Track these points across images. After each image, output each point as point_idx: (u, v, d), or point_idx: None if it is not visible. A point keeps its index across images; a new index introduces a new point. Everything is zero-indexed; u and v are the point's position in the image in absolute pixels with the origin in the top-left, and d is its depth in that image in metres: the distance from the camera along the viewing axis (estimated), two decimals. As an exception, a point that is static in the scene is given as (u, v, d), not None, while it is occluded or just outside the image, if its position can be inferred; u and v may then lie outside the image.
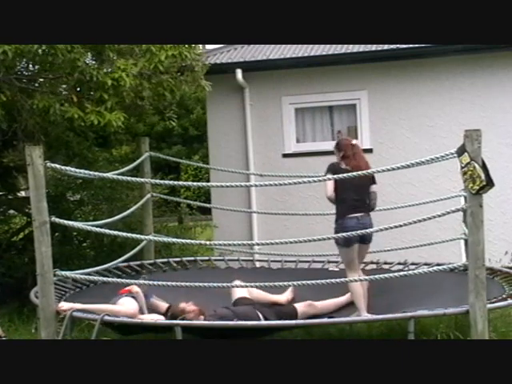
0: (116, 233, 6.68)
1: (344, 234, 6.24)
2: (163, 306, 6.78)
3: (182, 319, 6.18)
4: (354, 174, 6.11)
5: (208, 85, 8.60)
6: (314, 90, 10.31)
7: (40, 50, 7.03)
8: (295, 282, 6.47)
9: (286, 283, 6.46)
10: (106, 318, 5.94)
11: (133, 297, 6.50)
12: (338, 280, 6.32)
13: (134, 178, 7.31)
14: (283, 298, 7.04)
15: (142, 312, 6.48)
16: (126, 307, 6.25)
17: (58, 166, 6.31)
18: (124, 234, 6.83)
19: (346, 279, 6.52)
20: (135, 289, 6.59)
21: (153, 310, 6.69)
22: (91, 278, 6.77)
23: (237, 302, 6.80)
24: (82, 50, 7.01)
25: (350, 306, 6.85)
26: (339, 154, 6.89)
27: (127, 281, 6.81)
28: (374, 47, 9.89)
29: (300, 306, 6.79)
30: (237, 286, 6.78)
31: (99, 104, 7.35)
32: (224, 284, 6.43)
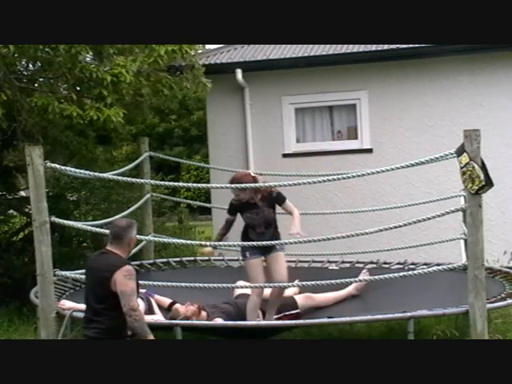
0: (116, 233, 6.65)
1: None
2: (166, 301, 6.84)
3: (183, 319, 6.20)
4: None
5: (209, 82, 8.58)
6: (314, 90, 10.31)
7: (41, 46, 7.02)
8: (296, 282, 6.51)
9: (286, 283, 6.49)
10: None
11: (141, 297, 6.50)
12: (338, 281, 6.34)
13: (133, 179, 7.32)
14: (289, 291, 7.08)
15: (150, 311, 6.49)
16: None
17: (57, 166, 6.31)
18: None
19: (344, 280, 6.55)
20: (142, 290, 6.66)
21: (158, 305, 6.76)
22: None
23: (237, 298, 6.87)
24: (83, 45, 7.00)
25: (350, 304, 6.87)
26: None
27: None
28: (373, 47, 9.89)
29: (299, 298, 6.86)
30: (237, 287, 6.81)
31: (99, 101, 7.35)
32: (224, 285, 6.45)
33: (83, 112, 7.22)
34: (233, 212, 6.72)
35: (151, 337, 4.65)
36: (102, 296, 4.66)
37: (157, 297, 6.83)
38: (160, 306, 6.75)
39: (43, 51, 7.17)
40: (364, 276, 7.11)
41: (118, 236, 4.78)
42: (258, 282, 6.39)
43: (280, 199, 6.69)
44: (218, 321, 6.31)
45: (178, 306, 6.54)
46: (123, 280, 4.57)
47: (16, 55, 7.07)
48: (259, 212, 6.56)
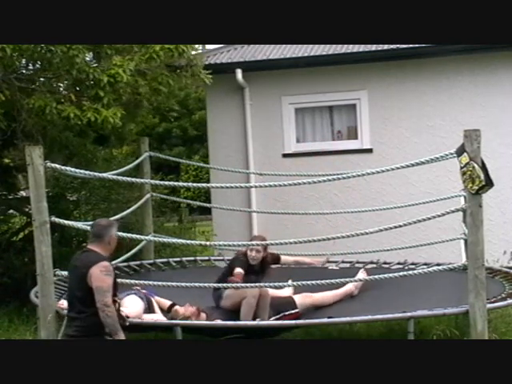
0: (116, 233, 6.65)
1: None
2: (166, 303, 6.81)
3: (182, 320, 6.20)
4: None
5: (208, 77, 8.54)
6: (314, 90, 10.31)
7: (39, 47, 7.01)
8: (293, 282, 6.52)
9: (285, 283, 6.50)
10: None
11: (140, 296, 6.49)
12: (337, 280, 6.34)
13: (133, 179, 7.31)
14: (286, 292, 7.11)
15: (150, 310, 6.48)
16: (128, 310, 6.22)
17: (57, 166, 6.31)
18: (124, 234, 6.83)
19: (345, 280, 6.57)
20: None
21: (158, 306, 6.75)
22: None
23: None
24: (80, 47, 6.99)
25: (350, 304, 6.87)
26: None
27: (126, 280, 6.79)
28: (373, 47, 9.89)
29: (298, 297, 6.89)
30: (237, 287, 6.81)
31: (96, 101, 7.34)
32: (225, 284, 6.44)
33: (81, 113, 7.21)
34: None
35: (122, 335, 4.64)
36: (83, 293, 4.67)
37: (157, 298, 6.81)
38: (160, 308, 6.74)
39: (41, 52, 7.16)
40: (362, 274, 7.15)
41: (98, 235, 4.85)
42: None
43: (275, 259, 6.99)
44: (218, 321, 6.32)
45: (177, 307, 6.54)
46: (99, 275, 4.59)
47: (14, 55, 7.05)
48: (257, 279, 6.73)
